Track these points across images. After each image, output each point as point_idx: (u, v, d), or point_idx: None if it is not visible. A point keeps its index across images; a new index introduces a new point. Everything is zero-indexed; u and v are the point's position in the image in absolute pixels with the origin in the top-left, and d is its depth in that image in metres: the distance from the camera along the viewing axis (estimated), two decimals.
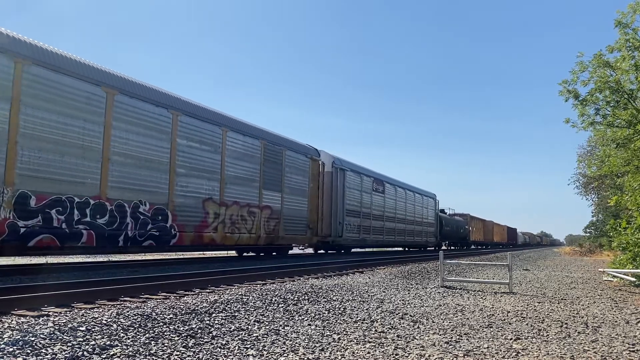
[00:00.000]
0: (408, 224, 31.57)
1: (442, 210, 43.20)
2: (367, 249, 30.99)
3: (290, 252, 21.76)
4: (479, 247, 55.83)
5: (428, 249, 37.20)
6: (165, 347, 3.93)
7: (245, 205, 15.78)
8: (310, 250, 24.97)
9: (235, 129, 15.55)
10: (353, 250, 27.04)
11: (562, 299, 8.03)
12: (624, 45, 14.30)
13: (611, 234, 15.81)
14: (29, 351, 3.57)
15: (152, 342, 4.06)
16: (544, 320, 5.84)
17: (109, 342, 3.94)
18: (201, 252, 20.51)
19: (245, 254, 19.10)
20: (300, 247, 22.58)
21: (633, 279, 10.38)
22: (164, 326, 4.62)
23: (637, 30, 14.22)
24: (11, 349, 3.58)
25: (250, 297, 6.52)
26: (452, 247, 45.68)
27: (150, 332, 4.37)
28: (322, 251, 24.14)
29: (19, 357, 3.44)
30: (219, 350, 3.95)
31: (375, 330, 4.92)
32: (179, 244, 13.10)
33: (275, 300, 6.47)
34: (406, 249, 35.27)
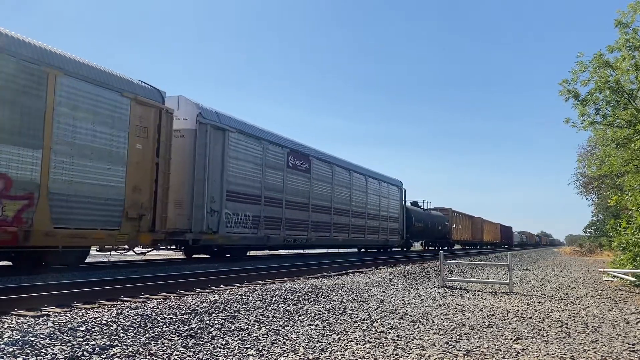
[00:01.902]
0: (355, 216, 23.67)
1: (415, 203, 36.85)
2: (280, 252, 22.01)
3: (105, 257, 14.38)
4: (466, 247, 49.21)
5: (393, 249, 30.66)
6: (165, 347, 3.93)
7: None
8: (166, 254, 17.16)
9: None
10: (250, 253, 19.10)
11: (562, 299, 8.03)
12: (624, 45, 14.28)
13: (611, 234, 15.82)
14: (29, 351, 3.57)
15: (152, 342, 4.06)
16: (544, 320, 5.84)
17: (109, 342, 3.94)
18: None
19: None
20: (138, 250, 13.10)
21: (633, 279, 10.38)
22: (164, 326, 4.62)
23: (637, 30, 14.20)
24: (11, 349, 3.57)
25: (250, 297, 6.52)
26: (429, 248, 38.95)
27: (150, 332, 4.37)
28: (200, 255, 16.27)
29: (19, 357, 3.44)
30: (219, 350, 3.95)
31: (375, 330, 4.92)
32: None
33: (275, 300, 6.48)
34: (362, 250, 28.83)
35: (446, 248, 40.26)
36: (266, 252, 21.85)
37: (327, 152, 22.15)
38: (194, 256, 16.16)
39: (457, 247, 46.57)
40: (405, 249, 32.46)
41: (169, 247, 14.29)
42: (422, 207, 37.75)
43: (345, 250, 28.00)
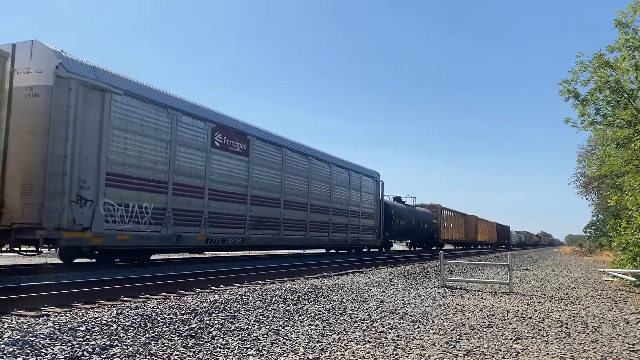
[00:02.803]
0: (315, 211, 19.87)
1: (398, 198, 32.99)
2: (197, 255, 17.86)
3: None
4: (458, 247, 45.63)
5: (371, 250, 27.33)
6: (165, 347, 3.93)
7: None
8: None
9: None
10: (155, 257, 15.16)
11: (562, 299, 8.03)
12: (624, 45, 14.29)
13: (611, 234, 15.84)
14: (29, 351, 3.57)
15: (152, 342, 4.06)
16: (544, 320, 5.84)
17: (109, 342, 3.94)
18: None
19: None
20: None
21: (633, 279, 10.38)
22: (164, 326, 4.62)
23: (637, 30, 14.21)
24: (11, 349, 3.57)
25: (250, 297, 6.52)
26: (414, 248, 35.18)
27: (150, 332, 4.37)
28: (86, 260, 12.00)
29: (19, 357, 3.44)
30: (219, 350, 3.95)
31: (375, 330, 4.92)
32: None
33: (275, 300, 6.48)
34: (332, 250, 25.07)
35: (434, 248, 35.67)
36: (266, 252, 21.26)
37: (276, 133, 18.16)
38: (77, 261, 11.99)
39: (447, 247, 42.86)
40: (384, 250, 28.59)
41: (15, 248, 10.06)
42: (405, 202, 33.13)
43: (312, 251, 24.65)
